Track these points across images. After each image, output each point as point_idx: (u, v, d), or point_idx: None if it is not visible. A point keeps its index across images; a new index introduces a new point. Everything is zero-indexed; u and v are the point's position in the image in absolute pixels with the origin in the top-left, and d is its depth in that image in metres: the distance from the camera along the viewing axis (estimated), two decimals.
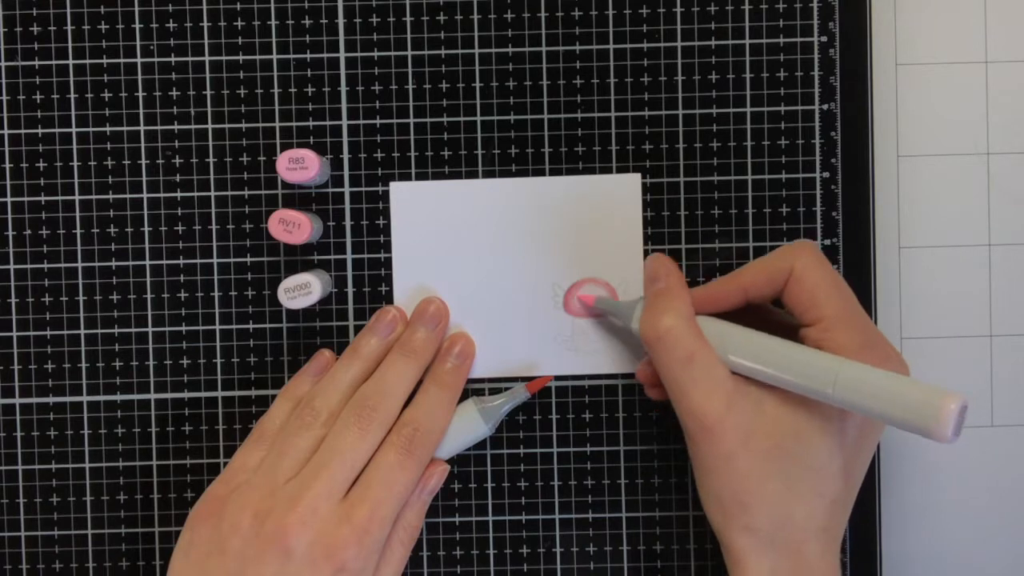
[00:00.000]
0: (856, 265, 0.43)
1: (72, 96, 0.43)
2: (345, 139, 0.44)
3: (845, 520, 0.38)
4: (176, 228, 0.44)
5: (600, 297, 0.42)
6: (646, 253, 0.43)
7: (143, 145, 0.44)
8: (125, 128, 0.44)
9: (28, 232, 0.44)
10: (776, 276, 0.37)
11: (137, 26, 0.43)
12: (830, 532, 0.37)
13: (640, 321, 0.38)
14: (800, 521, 0.36)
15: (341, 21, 0.43)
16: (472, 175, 0.44)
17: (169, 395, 0.44)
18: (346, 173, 0.44)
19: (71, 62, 0.43)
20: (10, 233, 0.44)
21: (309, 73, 0.43)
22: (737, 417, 0.36)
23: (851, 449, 0.36)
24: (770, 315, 0.41)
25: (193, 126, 0.44)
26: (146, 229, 0.44)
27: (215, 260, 0.44)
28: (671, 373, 0.37)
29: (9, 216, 0.44)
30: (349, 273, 0.44)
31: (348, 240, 0.44)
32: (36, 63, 0.43)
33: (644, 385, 0.42)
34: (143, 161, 0.44)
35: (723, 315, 0.39)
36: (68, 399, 0.44)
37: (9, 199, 0.44)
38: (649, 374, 0.41)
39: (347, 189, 0.44)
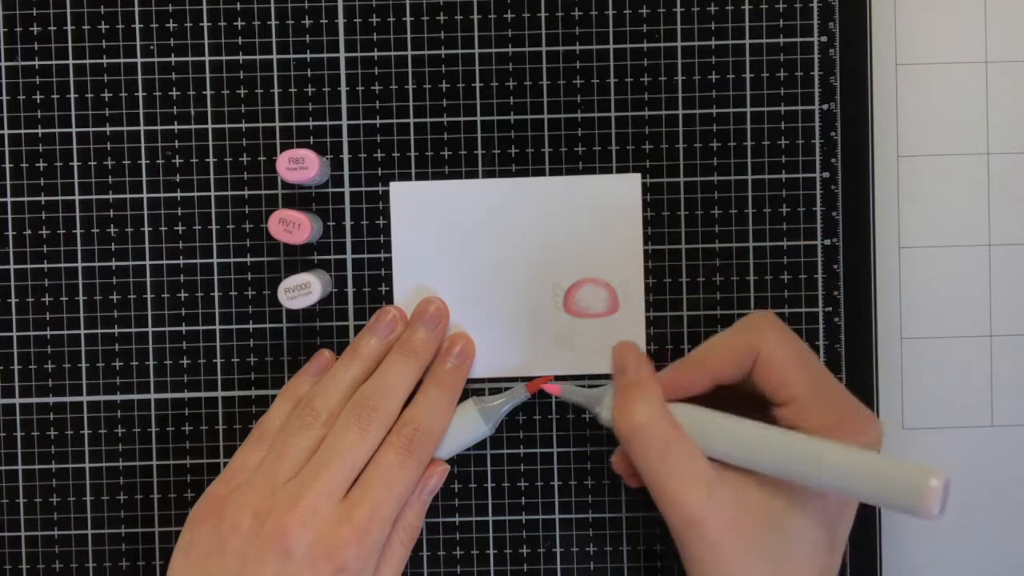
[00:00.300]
0: (856, 265, 0.43)
1: (72, 96, 0.43)
2: (345, 139, 0.44)
3: None
4: (176, 228, 0.44)
5: (566, 387, 0.42)
6: (646, 253, 0.43)
7: (143, 145, 0.44)
8: (125, 128, 0.44)
9: (28, 232, 0.44)
10: (743, 359, 0.37)
11: (137, 26, 0.43)
12: None
13: (613, 415, 0.37)
14: None
15: (341, 21, 0.43)
16: (472, 175, 0.44)
17: (169, 395, 0.44)
18: (346, 173, 0.44)
19: (71, 62, 0.43)
20: (10, 233, 0.44)
21: (309, 73, 0.43)
22: (719, 506, 0.35)
23: (833, 520, 0.37)
24: (741, 390, 0.40)
25: (193, 126, 0.44)
26: (146, 229, 0.44)
27: (215, 260, 0.44)
28: (648, 466, 0.36)
29: (9, 216, 0.44)
30: (349, 273, 0.44)
31: (348, 240, 0.44)
32: (36, 63, 0.43)
33: (622, 476, 0.42)
34: (143, 161, 0.44)
35: (694, 399, 0.38)
36: (68, 399, 0.44)
37: (9, 199, 0.44)
38: (625, 465, 0.41)
39: (347, 189, 0.44)
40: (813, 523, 0.36)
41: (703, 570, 0.36)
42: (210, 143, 0.44)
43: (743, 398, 0.38)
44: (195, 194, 0.44)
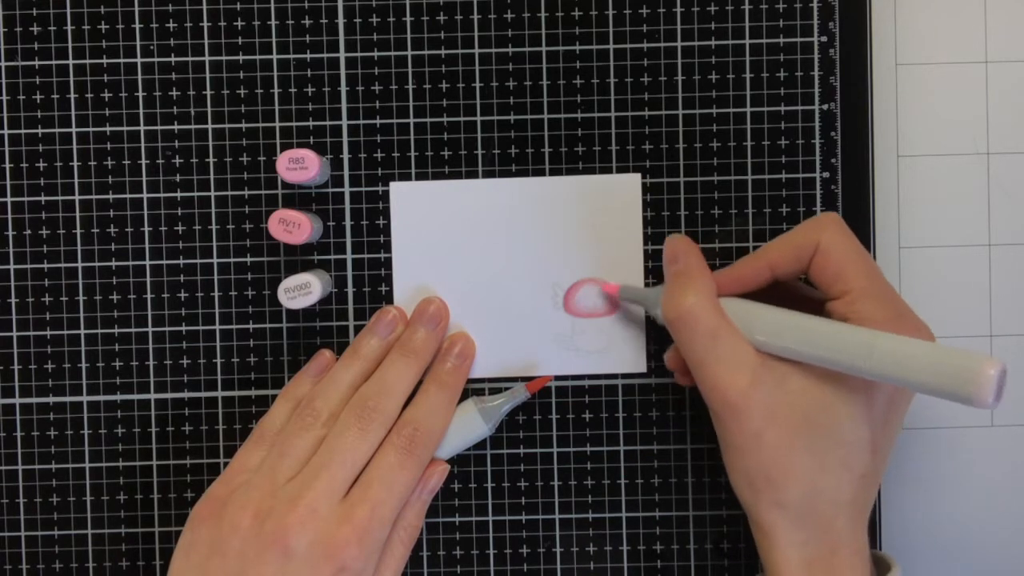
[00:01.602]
0: None
1: (72, 96, 0.43)
2: (345, 139, 0.44)
3: (874, 494, 0.37)
4: (176, 228, 0.44)
5: (624, 286, 0.42)
6: (646, 253, 0.43)
7: (143, 145, 0.44)
8: (125, 128, 0.44)
9: (28, 232, 0.44)
10: (802, 252, 0.37)
11: (137, 26, 0.43)
12: (858, 506, 0.36)
13: (661, 303, 0.38)
14: (829, 495, 0.36)
15: (341, 21, 0.43)
16: (472, 175, 0.44)
17: (169, 395, 0.44)
18: (346, 173, 0.44)
19: (71, 62, 0.43)
20: (10, 233, 0.44)
21: (309, 73, 0.43)
22: (763, 393, 0.35)
23: (879, 422, 0.36)
24: (794, 290, 0.40)
25: (193, 126, 0.44)
26: (146, 229, 0.44)
27: (215, 260, 0.44)
28: (694, 352, 0.36)
29: (9, 216, 0.44)
30: (349, 273, 0.44)
31: (348, 240, 0.44)
32: (36, 63, 0.43)
33: (674, 372, 0.42)
34: (143, 161, 0.44)
35: (749, 295, 0.38)
36: (68, 399, 0.44)
37: (9, 199, 0.44)
38: (677, 360, 0.41)
39: (347, 189, 0.44)
40: (857, 420, 0.36)
41: (741, 458, 0.36)
42: (210, 143, 0.44)
43: (797, 303, 0.38)
44: (195, 194, 0.44)
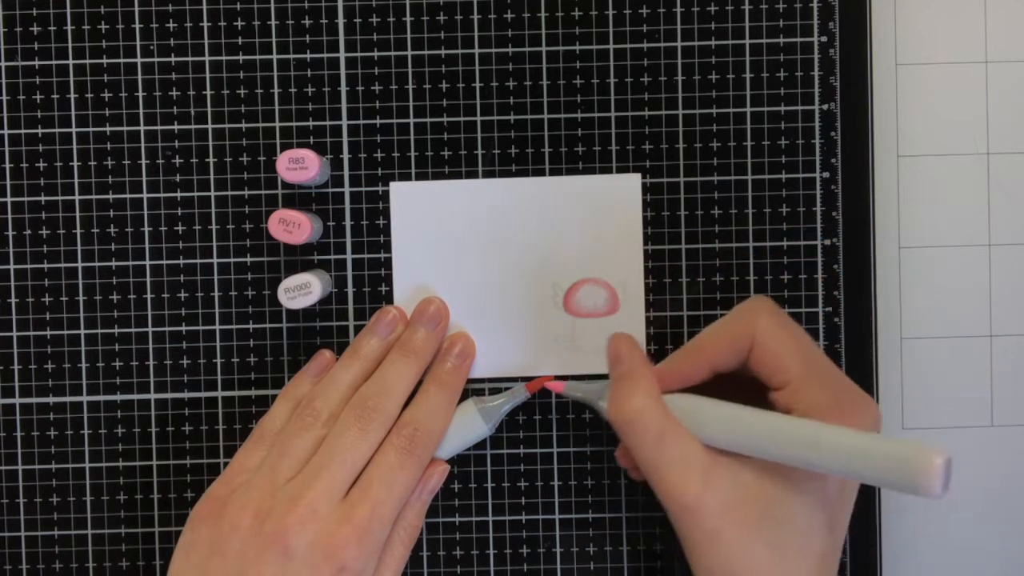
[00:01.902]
0: (856, 265, 0.43)
1: (72, 96, 0.43)
2: (345, 139, 0.44)
3: (835, 566, 0.37)
4: (176, 228, 0.44)
5: (568, 384, 0.41)
6: (646, 253, 0.43)
7: (143, 145, 0.44)
8: (125, 128, 0.44)
9: (28, 232, 0.44)
10: (739, 345, 0.37)
11: (137, 26, 0.43)
12: None
13: (607, 406, 0.38)
14: None
15: (341, 21, 0.43)
16: (472, 175, 0.44)
17: (169, 395, 0.44)
18: (346, 173, 0.44)
19: (71, 62, 0.43)
20: (10, 233, 0.44)
21: (309, 73, 0.43)
22: (716, 493, 0.35)
23: (833, 504, 0.36)
24: (735, 376, 0.40)
25: (193, 126, 0.44)
26: (146, 229, 0.44)
27: (215, 260, 0.44)
28: (644, 456, 0.36)
29: (9, 216, 0.44)
30: (349, 273, 0.44)
31: (348, 240, 0.44)
32: (36, 63, 0.43)
33: (627, 469, 0.42)
34: (143, 161, 0.44)
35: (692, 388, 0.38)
36: (68, 399, 0.44)
37: (9, 199, 0.44)
38: (628, 459, 0.41)
39: (347, 189, 0.44)
40: (812, 506, 0.36)
41: (702, 556, 0.36)
42: (210, 143, 0.44)
43: (740, 386, 0.38)
44: (195, 194, 0.44)
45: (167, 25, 0.43)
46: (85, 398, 0.44)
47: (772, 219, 0.43)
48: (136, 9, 0.43)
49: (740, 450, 0.36)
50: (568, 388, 0.41)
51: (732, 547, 0.35)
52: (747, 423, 0.36)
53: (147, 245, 0.44)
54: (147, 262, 0.44)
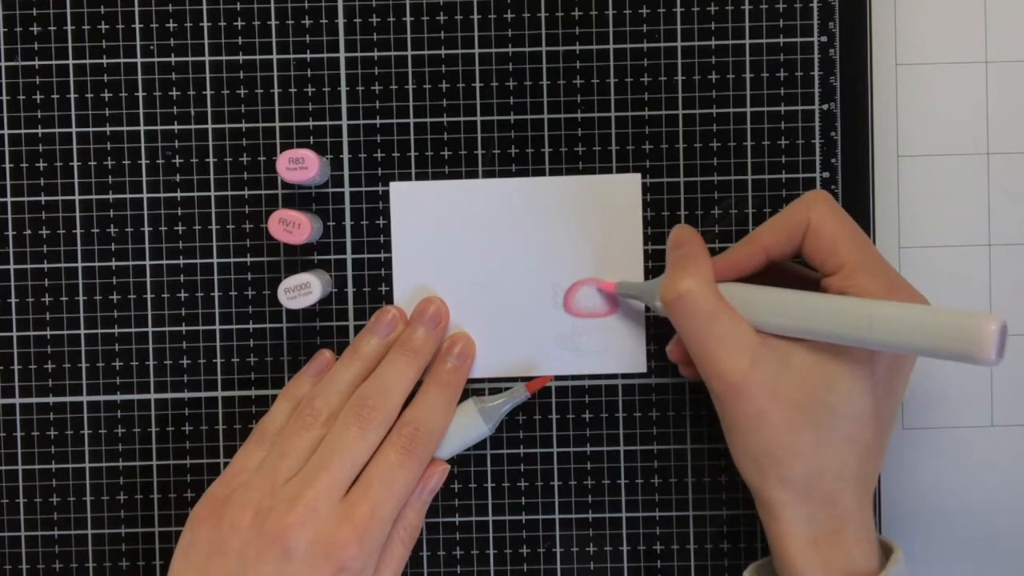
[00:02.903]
0: None
1: (72, 96, 0.43)
2: (345, 139, 0.44)
3: (879, 467, 0.37)
4: (176, 228, 0.44)
5: (622, 282, 0.42)
6: (646, 253, 0.43)
7: (143, 145, 0.44)
8: (125, 128, 0.44)
9: (28, 232, 0.44)
10: (794, 231, 0.37)
11: (137, 26, 0.43)
12: (863, 479, 0.36)
13: (661, 288, 0.38)
14: (834, 470, 0.36)
15: (341, 21, 0.43)
16: (472, 175, 0.44)
17: (169, 395, 0.44)
18: (346, 173, 0.44)
19: (71, 62, 0.43)
20: (10, 233, 0.44)
21: (309, 73, 0.43)
22: (763, 372, 0.35)
23: (881, 393, 0.36)
24: (790, 271, 0.40)
25: (193, 126, 0.44)
26: (146, 229, 0.44)
27: (215, 260, 0.44)
28: (693, 335, 0.37)
29: (9, 216, 0.44)
30: (349, 273, 0.44)
31: (348, 240, 0.44)
32: (36, 63, 0.43)
33: (678, 364, 0.42)
34: (143, 161, 0.44)
35: (746, 279, 0.39)
36: (68, 399, 0.44)
37: (9, 199, 0.44)
38: (680, 351, 0.41)
39: (347, 189, 0.44)
40: (860, 394, 0.36)
41: (745, 437, 0.36)
42: (210, 143, 0.44)
43: (794, 283, 0.38)
44: (195, 194, 0.44)
45: (167, 25, 0.43)
46: (85, 398, 0.44)
47: None
48: (136, 9, 0.43)
49: (791, 332, 0.36)
50: (620, 286, 0.42)
51: (777, 429, 0.35)
52: (798, 303, 0.36)
53: (147, 245, 0.44)
54: (147, 262, 0.44)
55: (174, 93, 0.43)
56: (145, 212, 0.44)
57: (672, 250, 0.39)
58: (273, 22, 0.43)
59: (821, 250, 0.37)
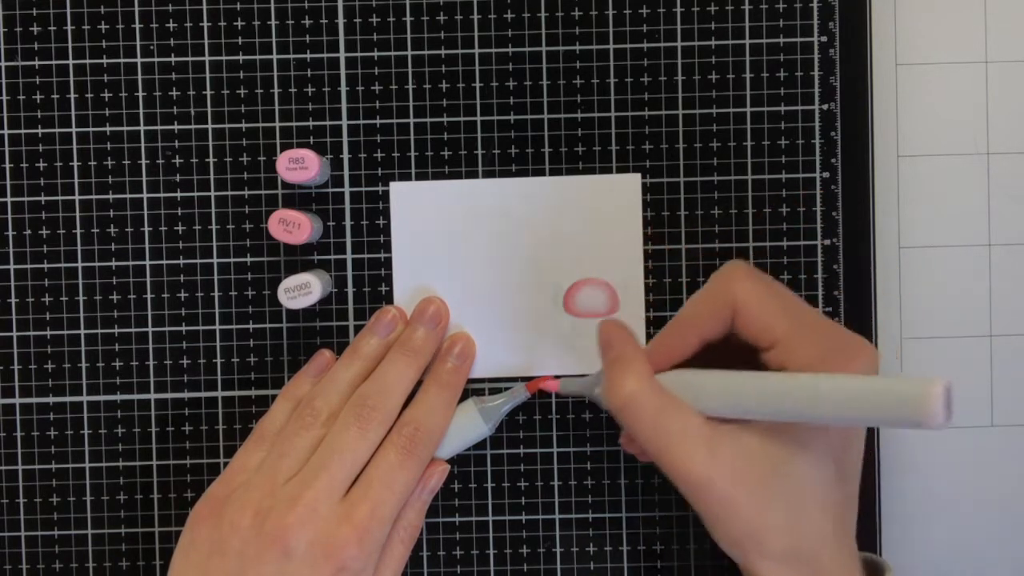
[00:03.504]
0: (856, 265, 0.43)
1: (72, 96, 0.44)
2: (345, 139, 0.44)
3: (854, 518, 0.37)
4: (176, 228, 0.44)
5: (564, 380, 0.41)
6: (646, 253, 0.43)
7: (143, 145, 0.44)
8: (125, 128, 0.44)
9: (28, 232, 0.44)
10: (722, 312, 0.37)
11: (137, 26, 0.43)
12: (840, 534, 0.36)
13: (603, 393, 0.37)
14: (812, 535, 0.36)
15: (341, 21, 0.43)
16: (472, 175, 0.44)
17: (169, 395, 0.44)
18: (346, 173, 0.44)
19: (71, 62, 0.43)
20: (10, 233, 0.44)
21: (309, 73, 0.44)
22: (722, 461, 0.35)
23: (840, 453, 0.36)
24: (730, 341, 0.39)
25: (193, 126, 0.44)
26: (146, 229, 0.44)
27: (215, 260, 0.44)
28: (645, 436, 0.36)
29: (9, 216, 0.44)
30: (349, 273, 0.44)
31: (348, 240, 0.44)
32: (36, 63, 0.43)
33: (634, 455, 0.42)
34: (143, 161, 0.44)
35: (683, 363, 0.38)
36: (68, 399, 0.44)
37: (9, 199, 0.44)
38: (633, 444, 0.40)
39: (347, 189, 0.44)
40: (819, 460, 0.36)
41: (722, 526, 0.36)
42: (210, 143, 0.44)
43: (733, 354, 0.38)
44: (195, 194, 0.44)
45: (167, 25, 0.43)
46: (85, 398, 0.44)
47: (772, 219, 0.43)
48: (136, 9, 0.43)
49: (740, 415, 0.36)
50: (563, 385, 0.41)
51: (749, 511, 0.35)
52: (742, 386, 0.35)
53: (147, 245, 0.44)
54: (147, 262, 0.44)
55: (174, 93, 0.43)
56: (145, 212, 0.44)
57: (604, 352, 0.38)
58: (273, 22, 0.43)
59: (752, 328, 0.36)
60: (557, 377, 0.42)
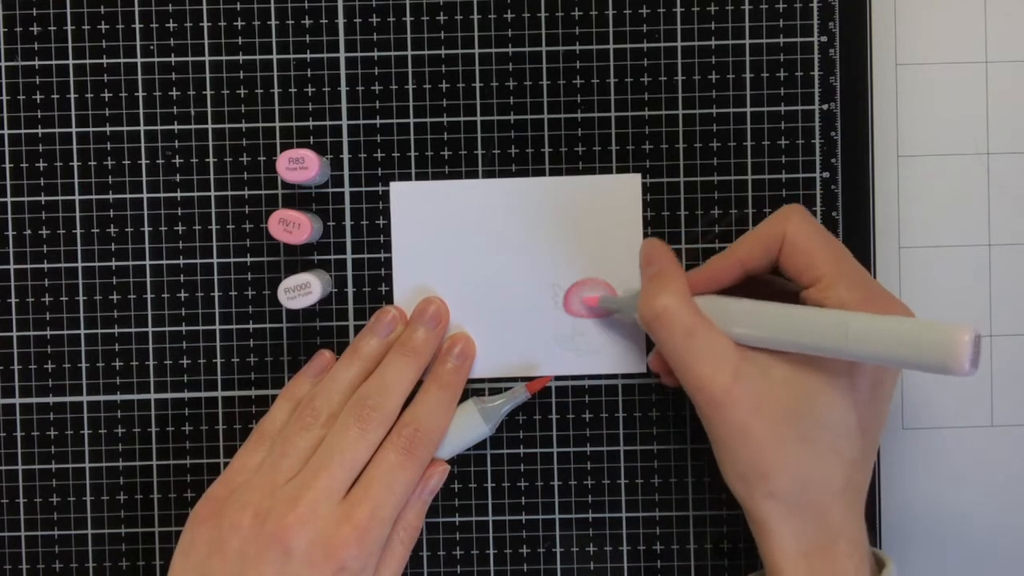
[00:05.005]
0: None
1: (72, 96, 0.43)
2: (345, 139, 0.44)
3: (867, 478, 0.37)
4: (176, 228, 0.44)
5: (603, 296, 0.42)
6: None
7: (143, 145, 0.44)
8: (125, 128, 0.44)
9: (28, 232, 0.44)
10: (770, 244, 0.37)
11: (137, 26, 0.43)
12: (851, 491, 0.36)
13: (638, 306, 0.38)
14: (820, 483, 0.36)
15: (341, 21, 0.43)
16: (472, 175, 0.44)
17: (169, 395, 0.44)
18: (346, 173, 0.44)
19: (71, 62, 0.43)
20: (10, 233, 0.44)
21: (309, 73, 0.43)
22: (745, 386, 0.35)
23: (864, 404, 0.36)
24: (770, 284, 0.40)
25: (193, 126, 0.44)
26: (146, 229, 0.44)
27: (215, 260, 0.44)
28: (674, 351, 0.36)
29: (9, 216, 0.44)
30: (349, 273, 0.44)
31: (348, 240, 0.44)
32: (36, 63, 0.43)
33: (659, 374, 0.42)
34: (143, 161, 0.44)
35: (723, 291, 0.39)
36: (68, 399, 0.44)
37: (9, 199, 0.44)
38: (660, 363, 0.41)
39: (347, 189, 0.44)
40: (842, 405, 0.36)
41: (730, 452, 0.36)
42: (210, 143, 0.44)
43: (773, 296, 0.38)
44: (195, 194, 0.44)
45: (167, 25, 0.43)
46: (85, 398, 0.44)
47: None
48: (136, 9, 0.43)
49: (769, 344, 0.36)
50: (602, 301, 0.42)
51: (761, 443, 0.35)
52: (775, 315, 0.36)
53: (147, 245, 0.44)
54: (147, 262, 0.44)
55: (174, 93, 0.43)
56: (145, 212, 0.44)
57: (645, 267, 0.39)
58: (273, 22, 0.43)
59: (798, 263, 0.37)
60: (557, 376, 0.42)
